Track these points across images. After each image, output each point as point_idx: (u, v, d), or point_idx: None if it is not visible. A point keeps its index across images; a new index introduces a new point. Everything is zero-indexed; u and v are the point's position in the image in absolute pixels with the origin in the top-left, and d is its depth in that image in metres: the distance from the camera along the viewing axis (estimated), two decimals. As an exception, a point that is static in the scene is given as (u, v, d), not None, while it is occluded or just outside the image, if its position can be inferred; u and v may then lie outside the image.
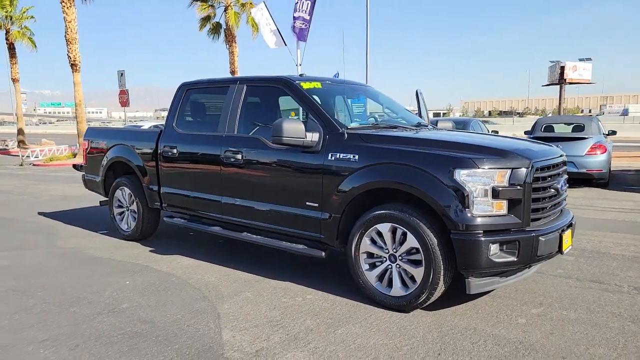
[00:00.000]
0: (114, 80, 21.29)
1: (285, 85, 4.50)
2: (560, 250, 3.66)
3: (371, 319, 3.53)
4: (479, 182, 3.33)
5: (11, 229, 6.78)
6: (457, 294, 3.79)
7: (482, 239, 3.29)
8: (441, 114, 70.34)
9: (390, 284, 3.71)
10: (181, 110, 5.35)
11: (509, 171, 3.37)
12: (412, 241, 3.53)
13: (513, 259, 3.37)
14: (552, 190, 3.67)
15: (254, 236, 4.56)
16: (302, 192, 4.13)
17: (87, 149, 6.47)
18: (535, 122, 11.18)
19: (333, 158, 3.92)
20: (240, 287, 4.26)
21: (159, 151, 5.34)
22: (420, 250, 3.48)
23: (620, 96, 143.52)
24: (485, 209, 3.34)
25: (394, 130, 4.37)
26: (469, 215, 3.31)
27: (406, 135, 4.13)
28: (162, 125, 5.78)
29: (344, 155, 3.86)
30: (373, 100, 5.27)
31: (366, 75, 20.57)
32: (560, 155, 3.99)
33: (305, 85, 4.44)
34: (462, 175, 3.33)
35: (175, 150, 5.17)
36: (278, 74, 4.85)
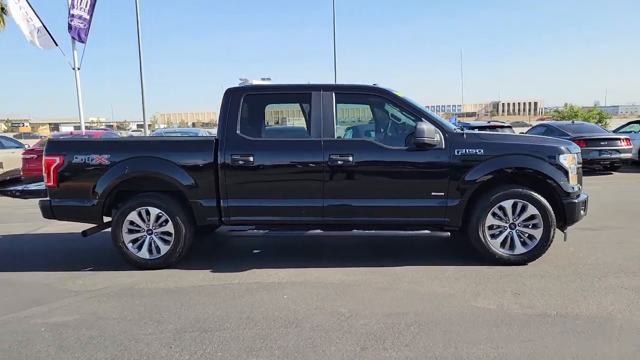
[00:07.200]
0: None
1: (386, 94, 5.07)
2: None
3: (522, 273, 4.64)
4: (567, 163, 4.91)
5: None
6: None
7: (577, 201, 4.89)
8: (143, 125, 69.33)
9: (511, 246, 4.89)
10: (243, 117, 5.02)
11: (577, 155, 5.08)
12: (532, 210, 4.82)
13: (585, 213, 5.09)
14: None
15: (370, 231, 4.93)
16: (427, 185, 4.84)
17: (60, 167, 4.99)
18: None
19: (459, 153, 4.81)
20: (385, 277, 4.61)
21: (221, 162, 4.88)
22: (539, 215, 4.81)
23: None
24: (572, 182, 4.94)
25: (477, 130, 5.51)
26: (570, 186, 4.85)
27: (505, 133, 5.35)
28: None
29: (471, 150, 4.81)
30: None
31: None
32: None
33: (399, 95, 5.10)
34: (563, 159, 4.85)
35: (251, 159, 4.86)
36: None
